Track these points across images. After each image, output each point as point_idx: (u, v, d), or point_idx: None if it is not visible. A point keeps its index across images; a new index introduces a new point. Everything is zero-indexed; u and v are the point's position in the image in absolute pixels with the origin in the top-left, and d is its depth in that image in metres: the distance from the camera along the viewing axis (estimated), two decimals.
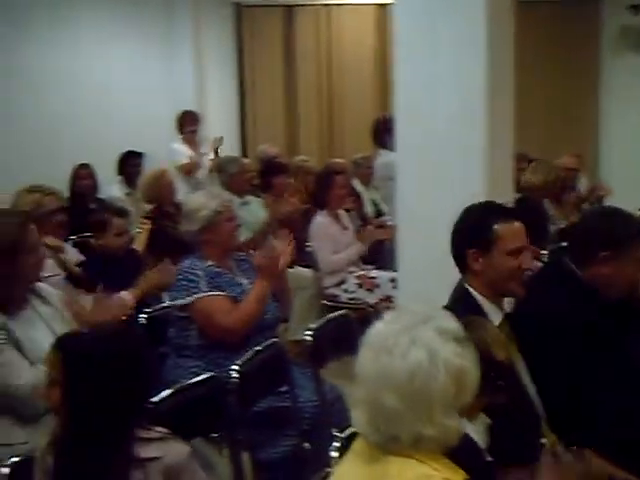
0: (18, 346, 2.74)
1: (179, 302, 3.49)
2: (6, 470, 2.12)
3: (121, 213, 4.56)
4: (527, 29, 7.48)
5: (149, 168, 6.87)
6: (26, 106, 8.27)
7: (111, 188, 7.15)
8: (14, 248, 2.77)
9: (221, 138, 7.81)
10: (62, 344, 2.15)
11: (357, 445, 1.76)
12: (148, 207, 6.04)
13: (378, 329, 1.75)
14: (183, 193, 6.74)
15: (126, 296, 3.69)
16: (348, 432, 2.15)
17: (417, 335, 1.68)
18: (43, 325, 2.85)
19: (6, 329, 2.73)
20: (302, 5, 9.23)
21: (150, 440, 2.10)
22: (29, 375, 2.67)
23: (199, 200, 3.69)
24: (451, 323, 1.74)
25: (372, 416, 1.70)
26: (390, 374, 1.67)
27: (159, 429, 2.16)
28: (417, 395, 1.66)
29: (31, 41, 8.21)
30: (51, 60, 8.40)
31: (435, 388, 1.65)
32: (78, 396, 2.05)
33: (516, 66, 3.96)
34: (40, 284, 2.98)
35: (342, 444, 2.17)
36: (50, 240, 3.94)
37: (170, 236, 5.11)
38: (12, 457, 2.22)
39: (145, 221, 5.56)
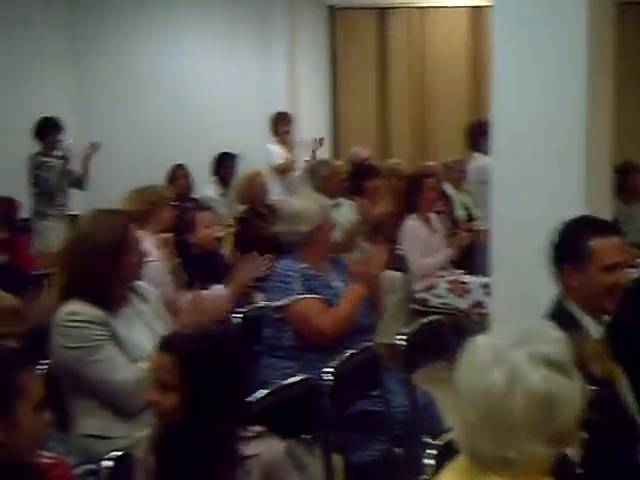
0: (118, 343, 2.81)
1: (274, 303, 3.53)
2: (109, 463, 2.16)
3: (204, 207, 4.72)
4: (627, 31, 7.30)
5: (243, 169, 6.98)
6: (125, 108, 8.52)
7: (205, 188, 7.28)
8: (117, 248, 2.85)
9: (321, 139, 7.87)
10: (174, 346, 2.12)
11: (458, 460, 1.75)
12: (241, 208, 6.14)
13: (476, 341, 1.74)
14: (276, 194, 6.82)
15: (224, 292, 3.76)
16: (443, 441, 2.14)
17: (505, 355, 1.64)
18: (141, 323, 2.92)
19: (108, 326, 2.81)
20: (396, 7, 9.21)
21: (249, 437, 2.12)
22: (129, 372, 2.74)
23: (303, 202, 3.74)
24: (549, 347, 1.67)
25: (461, 429, 1.69)
26: (470, 388, 1.66)
27: (255, 427, 2.17)
28: (493, 415, 1.62)
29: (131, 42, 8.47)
30: (147, 62, 8.62)
31: (513, 411, 1.60)
32: (198, 399, 2.05)
33: (616, 69, 3.88)
34: (139, 282, 3.05)
35: (438, 453, 2.15)
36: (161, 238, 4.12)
37: (262, 237, 5.18)
38: (113, 451, 2.27)
39: (232, 223, 5.68)
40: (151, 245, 4.06)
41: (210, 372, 2.07)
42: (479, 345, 1.70)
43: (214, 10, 8.82)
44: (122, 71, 8.65)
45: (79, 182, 7.12)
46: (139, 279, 3.05)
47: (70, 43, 8.75)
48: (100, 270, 2.81)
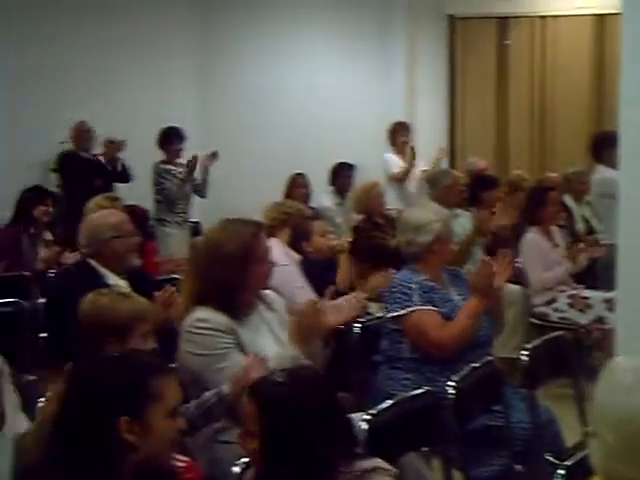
0: (243, 351, 2.85)
1: (392, 314, 3.53)
2: (237, 469, 2.20)
3: (317, 216, 4.80)
4: None
5: (360, 179, 7.03)
6: (247, 119, 8.71)
7: (322, 198, 7.35)
8: (247, 257, 2.91)
9: (444, 149, 7.86)
10: (255, 394, 2.06)
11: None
12: (358, 217, 6.17)
13: (616, 362, 1.69)
14: (393, 204, 6.83)
15: (359, 296, 3.74)
16: (572, 461, 2.09)
17: None
18: (267, 331, 2.97)
19: (234, 334, 2.86)
20: (517, 16, 9.07)
21: (352, 475, 2.01)
22: None
23: (424, 213, 3.73)
24: None
25: (598, 451, 1.64)
26: (610, 411, 1.61)
27: (363, 461, 2.06)
28: (636, 440, 1.58)
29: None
30: (270, 78, 8.79)
31: None
32: (275, 447, 1.98)
33: None
34: (267, 291, 3.11)
35: (567, 472, 2.11)
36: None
37: (378, 247, 5.19)
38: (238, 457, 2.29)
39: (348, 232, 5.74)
40: (282, 253, 4.18)
41: (288, 421, 1.98)
42: (620, 366, 1.66)
43: (334, 22, 8.90)
44: (246, 86, 8.85)
45: (200, 190, 7.32)
46: (267, 288, 3.10)
47: (198, 59, 9.01)
48: (229, 279, 2.87)
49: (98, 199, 5.10)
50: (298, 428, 1.97)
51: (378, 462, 2.06)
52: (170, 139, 7.19)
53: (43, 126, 7.27)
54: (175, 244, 6.67)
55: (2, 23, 7.29)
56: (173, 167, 7.15)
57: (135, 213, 5.20)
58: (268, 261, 3.03)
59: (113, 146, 6.98)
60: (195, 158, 7.06)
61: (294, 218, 4.57)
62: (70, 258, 5.13)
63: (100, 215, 4.00)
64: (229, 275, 2.87)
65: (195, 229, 7.80)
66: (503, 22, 9.12)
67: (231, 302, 2.90)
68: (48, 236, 5.93)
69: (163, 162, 7.16)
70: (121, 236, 3.77)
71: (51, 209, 5.93)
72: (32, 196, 5.89)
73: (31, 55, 7.50)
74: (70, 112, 7.26)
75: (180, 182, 7.11)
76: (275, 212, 4.60)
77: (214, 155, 7.26)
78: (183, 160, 7.15)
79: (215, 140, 8.10)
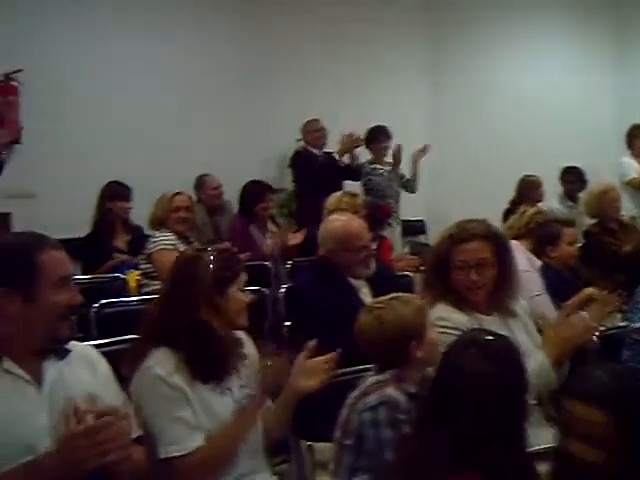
0: None
1: (635, 325, 3.43)
2: None
3: (570, 223, 4.70)
4: None
5: (592, 182, 6.82)
6: (476, 118, 8.68)
7: (551, 201, 7.21)
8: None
9: None
10: (607, 404, 1.91)
11: None
12: (590, 222, 6.00)
13: None
14: (628, 210, 6.57)
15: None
16: None
17: None
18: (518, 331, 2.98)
19: None
20: None
21: None
22: None
23: None
24: None
25: None
26: None
27: None
28: None
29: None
30: (505, 77, 8.72)
31: None
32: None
33: None
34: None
35: None
36: None
37: (610, 253, 5.05)
38: None
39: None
40: (524, 259, 4.17)
41: None
42: None
43: (569, 24, 8.69)
44: (476, 85, 8.81)
45: (409, 186, 7.39)
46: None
47: (430, 59, 9.09)
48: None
49: (338, 195, 5.21)
50: None
51: None
52: (376, 137, 7.31)
53: (281, 123, 7.60)
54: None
55: (238, 20, 7.69)
56: (379, 165, 7.26)
57: (377, 210, 5.33)
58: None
59: (351, 143, 7.14)
60: (399, 148, 7.13)
61: (540, 225, 4.55)
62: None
63: (337, 224, 3.89)
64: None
65: (413, 227, 7.91)
66: None
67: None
68: (272, 228, 6.22)
69: (369, 161, 7.28)
70: (349, 250, 3.74)
71: (271, 204, 6.19)
72: (254, 191, 6.19)
73: (270, 54, 7.87)
74: (306, 109, 7.53)
75: (388, 179, 7.19)
76: (520, 222, 4.66)
77: (424, 149, 7.30)
78: (388, 158, 7.25)
79: (442, 140, 8.13)
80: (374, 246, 3.93)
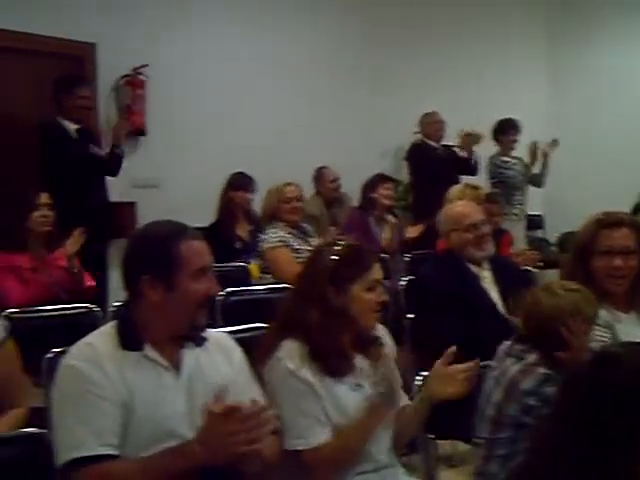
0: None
1: None
2: None
3: None
4: None
5: None
6: (600, 107, 8.47)
7: None
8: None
9: None
10: None
11: None
12: None
13: None
14: None
15: None
16: None
17: None
18: None
19: (611, 328, 2.81)
20: None
21: None
22: None
23: None
24: None
25: None
26: None
27: None
28: None
29: None
30: (623, 57, 8.48)
31: None
32: None
33: None
34: None
35: None
36: None
37: None
38: None
39: None
40: None
41: None
42: None
43: None
44: (598, 82, 8.60)
45: (537, 180, 7.25)
46: None
47: (550, 54, 8.91)
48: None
49: (460, 187, 5.22)
50: None
51: None
52: (505, 130, 7.21)
53: (398, 116, 7.58)
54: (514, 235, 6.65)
55: (358, 18, 7.71)
56: (509, 159, 7.15)
57: (494, 202, 5.30)
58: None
59: (471, 138, 7.08)
60: (535, 144, 7.01)
61: None
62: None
63: (450, 207, 4.11)
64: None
65: (532, 222, 7.77)
66: None
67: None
68: (391, 219, 6.21)
69: (499, 154, 7.18)
70: (457, 229, 3.84)
71: (390, 193, 6.18)
72: (373, 181, 6.21)
73: (389, 48, 7.87)
74: (423, 102, 7.50)
75: (517, 173, 7.09)
76: None
77: (554, 143, 7.16)
78: (517, 152, 7.13)
79: (560, 136, 7.95)
80: (486, 229, 3.87)
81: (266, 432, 2.02)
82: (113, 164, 5.65)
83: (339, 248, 2.60)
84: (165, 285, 2.17)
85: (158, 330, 2.21)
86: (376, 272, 2.60)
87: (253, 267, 5.03)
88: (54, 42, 5.73)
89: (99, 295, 4.75)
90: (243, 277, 4.96)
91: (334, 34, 7.56)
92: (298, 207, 5.22)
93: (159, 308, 2.18)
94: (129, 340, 2.19)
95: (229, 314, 4.12)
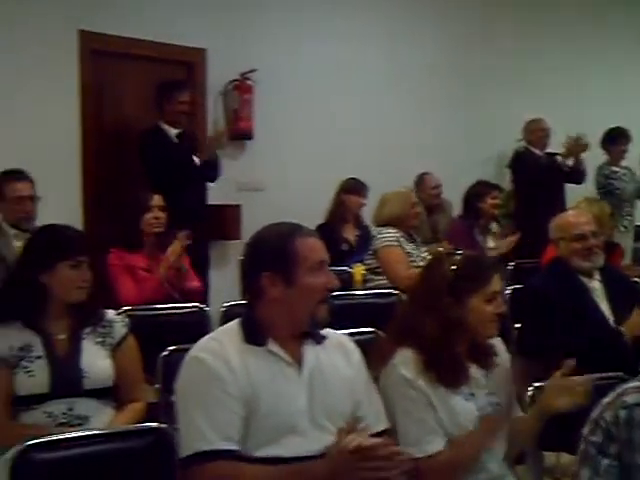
0: None
1: None
2: None
3: None
4: None
5: None
6: None
7: None
8: None
9: None
10: None
11: None
12: None
13: None
14: None
15: None
16: None
17: None
18: None
19: None
20: None
21: None
22: None
23: None
24: None
25: None
26: None
27: None
28: None
29: None
30: None
31: None
32: None
33: None
34: None
35: None
36: None
37: None
38: None
39: None
40: None
41: None
42: None
43: None
44: None
45: None
46: None
47: None
48: None
49: (587, 199, 5.05)
50: None
51: None
52: (615, 139, 7.06)
53: (502, 123, 7.52)
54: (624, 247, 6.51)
55: (461, 20, 7.67)
56: (618, 169, 7.01)
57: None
58: None
59: (578, 146, 6.94)
60: None
61: None
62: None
63: (561, 214, 4.06)
64: None
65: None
66: None
67: None
68: (495, 228, 6.16)
69: (608, 163, 7.03)
70: (565, 238, 3.79)
71: (498, 202, 6.13)
72: (478, 190, 6.16)
73: (493, 54, 7.80)
74: (528, 110, 7.41)
75: (626, 184, 6.94)
76: None
77: None
78: (626, 162, 6.98)
79: None
80: (596, 241, 3.81)
81: (398, 474, 2.03)
82: (208, 171, 5.75)
83: (458, 258, 2.60)
84: (284, 281, 2.22)
85: (280, 327, 2.25)
86: (496, 283, 2.57)
87: (357, 271, 5.08)
88: (167, 48, 5.91)
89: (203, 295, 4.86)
90: (345, 281, 5.00)
91: (439, 40, 7.56)
92: (419, 212, 5.30)
93: (280, 304, 2.23)
94: (253, 335, 2.24)
95: (332, 318, 4.14)
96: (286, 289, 2.22)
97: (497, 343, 2.71)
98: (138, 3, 5.82)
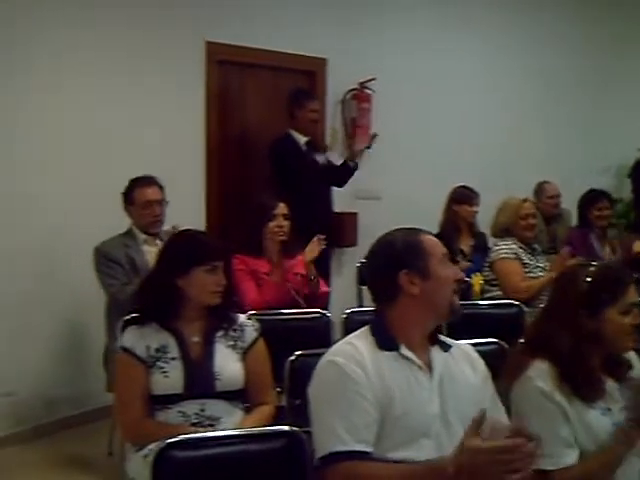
0: None
1: None
2: None
3: None
4: None
5: None
6: None
7: None
8: None
9: None
10: None
11: None
12: None
13: None
14: None
15: None
16: None
17: None
18: None
19: None
20: None
21: None
22: None
23: None
24: None
25: None
26: None
27: None
28: None
29: None
30: None
31: None
32: None
33: None
34: None
35: None
36: None
37: None
38: None
39: None
40: None
41: None
42: None
43: None
44: None
45: None
46: None
47: None
48: None
49: None
50: None
51: None
52: None
53: (622, 131, 7.36)
54: None
55: (581, 27, 7.57)
56: None
57: None
58: None
59: None
60: None
61: None
62: None
63: None
64: None
65: None
66: None
67: None
68: (613, 237, 6.03)
69: None
70: None
71: (607, 212, 5.99)
72: (587, 199, 6.05)
73: (616, 59, 7.65)
74: None
75: None
76: None
77: None
78: None
79: None
80: None
81: (528, 465, 1.98)
82: (343, 175, 5.85)
83: (592, 270, 2.56)
84: (421, 276, 2.26)
85: (411, 331, 2.29)
86: (631, 295, 2.52)
87: (475, 281, 5.04)
88: (292, 58, 6.06)
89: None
90: (464, 291, 4.97)
91: (556, 47, 7.48)
92: (533, 224, 5.21)
93: (420, 300, 2.26)
94: (385, 340, 2.28)
95: (450, 328, 4.13)
96: (423, 283, 2.26)
97: (631, 355, 2.66)
98: (261, 15, 5.97)
